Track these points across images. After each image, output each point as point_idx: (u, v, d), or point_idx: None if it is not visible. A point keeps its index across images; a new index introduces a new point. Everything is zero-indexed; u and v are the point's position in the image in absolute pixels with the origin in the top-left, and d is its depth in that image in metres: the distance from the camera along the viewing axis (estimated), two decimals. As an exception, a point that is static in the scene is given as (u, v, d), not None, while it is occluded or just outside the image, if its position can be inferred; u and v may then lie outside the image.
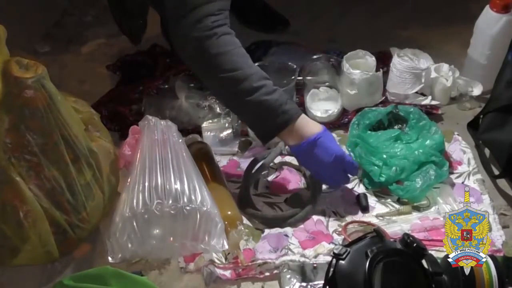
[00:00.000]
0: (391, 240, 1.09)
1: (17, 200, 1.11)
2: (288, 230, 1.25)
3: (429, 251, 1.03)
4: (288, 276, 1.16)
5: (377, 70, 1.51)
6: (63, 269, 1.22)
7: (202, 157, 1.35)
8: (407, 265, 0.99)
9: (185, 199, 1.14)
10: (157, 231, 1.16)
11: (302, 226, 1.26)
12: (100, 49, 1.88)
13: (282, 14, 1.88)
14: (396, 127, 1.42)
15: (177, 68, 1.66)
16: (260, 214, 1.29)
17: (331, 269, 1.01)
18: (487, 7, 1.47)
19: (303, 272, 1.17)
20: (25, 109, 1.08)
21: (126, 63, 1.77)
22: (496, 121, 1.37)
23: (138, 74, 1.71)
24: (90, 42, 1.92)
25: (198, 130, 1.49)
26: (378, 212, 1.29)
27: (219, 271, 1.18)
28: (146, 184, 1.16)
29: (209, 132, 1.48)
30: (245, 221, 1.27)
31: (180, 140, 1.29)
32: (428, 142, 1.34)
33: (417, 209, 1.28)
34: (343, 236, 1.23)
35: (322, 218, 1.28)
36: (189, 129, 1.50)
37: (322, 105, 1.53)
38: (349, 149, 1.39)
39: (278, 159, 1.42)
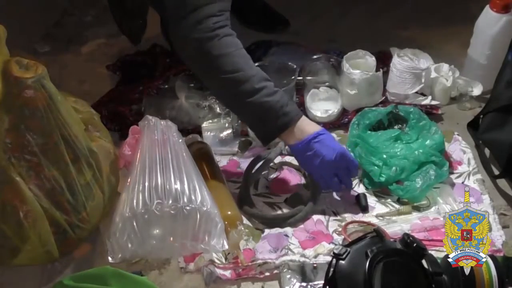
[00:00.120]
0: (391, 240, 1.09)
1: (17, 200, 1.11)
2: (288, 230, 1.25)
3: (429, 251, 1.03)
4: (288, 276, 1.16)
5: (377, 70, 1.51)
6: (63, 269, 1.22)
7: (202, 157, 1.35)
8: (407, 265, 0.99)
9: (185, 199, 1.14)
10: (157, 231, 1.16)
11: (302, 226, 1.26)
12: (100, 49, 1.88)
13: (282, 14, 1.88)
14: (396, 127, 1.42)
15: (177, 68, 1.66)
16: (260, 214, 1.29)
17: (331, 269, 1.01)
18: (487, 7, 1.48)
19: (303, 272, 1.17)
20: (25, 109, 1.08)
21: (126, 63, 1.77)
22: (496, 121, 1.37)
23: (138, 74, 1.71)
24: (90, 42, 1.92)
25: (198, 130, 1.49)
26: (378, 212, 1.29)
27: (219, 271, 1.18)
28: (146, 184, 1.16)
29: (209, 132, 1.48)
30: (245, 221, 1.27)
31: (180, 140, 1.29)
32: (428, 142, 1.34)
33: (417, 209, 1.28)
34: (343, 236, 1.23)
35: (322, 218, 1.28)
36: (189, 129, 1.50)
37: (322, 105, 1.53)
38: (349, 149, 1.39)
39: (278, 159, 1.42)
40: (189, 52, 1.21)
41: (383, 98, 1.55)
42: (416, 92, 1.54)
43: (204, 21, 1.17)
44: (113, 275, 1.06)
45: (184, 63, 1.40)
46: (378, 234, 1.03)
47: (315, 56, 1.59)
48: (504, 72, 1.38)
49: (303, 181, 1.38)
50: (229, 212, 1.23)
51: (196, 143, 1.41)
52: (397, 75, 1.53)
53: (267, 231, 1.26)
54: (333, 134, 1.47)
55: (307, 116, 1.48)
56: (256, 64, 1.25)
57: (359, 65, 1.52)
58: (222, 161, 1.43)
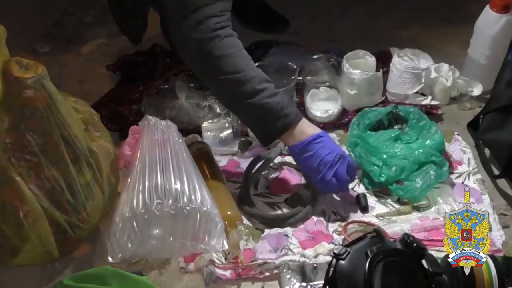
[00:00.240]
0: (391, 240, 1.09)
1: (17, 200, 1.11)
2: (288, 230, 1.25)
3: (429, 251, 1.03)
4: (288, 276, 1.16)
5: (377, 70, 1.51)
6: (63, 269, 1.22)
7: (202, 157, 1.35)
8: (407, 265, 0.99)
9: (185, 199, 1.14)
10: (157, 231, 1.16)
11: (302, 226, 1.26)
12: (100, 49, 1.88)
13: (282, 14, 1.88)
14: (396, 127, 1.42)
15: (177, 68, 1.66)
16: (260, 214, 1.29)
17: (331, 269, 1.01)
18: (487, 7, 1.47)
19: (303, 272, 1.17)
20: (25, 109, 1.08)
21: (126, 63, 1.77)
22: (496, 121, 1.37)
23: (138, 74, 1.71)
24: (90, 42, 1.92)
25: (198, 130, 1.49)
26: (378, 212, 1.29)
27: (219, 271, 1.18)
28: (146, 184, 1.16)
29: (209, 132, 1.48)
30: (245, 221, 1.27)
31: (180, 140, 1.29)
32: (428, 142, 1.34)
33: (417, 209, 1.28)
34: (343, 236, 1.23)
35: (322, 218, 1.28)
36: (189, 129, 1.50)
37: (322, 105, 1.53)
38: (349, 149, 1.39)
39: (278, 159, 1.42)
40: (190, 53, 1.21)
41: (383, 98, 1.55)
42: (416, 92, 1.54)
43: (205, 22, 1.16)
44: (113, 275, 1.06)
45: (184, 63, 1.40)
46: (378, 234, 1.03)
47: (315, 56, 1.59)
48: (504, 72, 1.38)
49: (303, 181, 1.37)
50: (229, 212, 1.23)
51: (196, 143, 1.41)
52: (397, 75, 1.53)
53: (267, 231, 1.26)
54: (333, 134, 1.47)
55: (307, 116, 1.49)
56: (256, 64, 1.24)
57: (359, 65, 1.52)
58: (222, 161, 1.43)
